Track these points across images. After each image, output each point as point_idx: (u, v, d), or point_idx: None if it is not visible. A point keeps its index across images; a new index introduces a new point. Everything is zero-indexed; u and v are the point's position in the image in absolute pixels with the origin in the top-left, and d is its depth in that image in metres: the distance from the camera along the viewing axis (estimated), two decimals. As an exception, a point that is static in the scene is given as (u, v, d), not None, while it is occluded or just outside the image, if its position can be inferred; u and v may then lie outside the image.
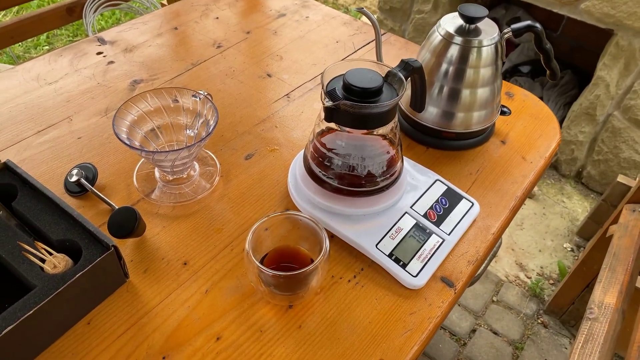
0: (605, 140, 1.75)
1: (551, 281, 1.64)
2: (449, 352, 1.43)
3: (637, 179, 1.41)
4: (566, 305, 1.48)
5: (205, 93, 0.67)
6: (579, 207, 1.85)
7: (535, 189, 1.89)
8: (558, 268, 1.66)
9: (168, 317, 0.56)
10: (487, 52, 0.71)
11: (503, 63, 0.74)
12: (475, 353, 1.44)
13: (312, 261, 0.52)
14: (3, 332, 0.46)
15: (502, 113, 0.80)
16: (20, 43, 2.52)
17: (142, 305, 0.57)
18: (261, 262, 0.57)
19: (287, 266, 0.58)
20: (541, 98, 2.05)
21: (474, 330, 1.49)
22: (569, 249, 1.73)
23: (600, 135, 1.77)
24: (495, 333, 1.49)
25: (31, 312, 0.48)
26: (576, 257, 1.70)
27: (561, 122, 1.89)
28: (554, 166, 1.97)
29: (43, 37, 2.58)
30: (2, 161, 0.62)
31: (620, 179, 1.50)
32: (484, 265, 1.00)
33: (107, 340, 0.53)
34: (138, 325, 0.55)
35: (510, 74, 2.13)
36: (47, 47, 2.57)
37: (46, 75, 0.88)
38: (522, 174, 0.75)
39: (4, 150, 0.74)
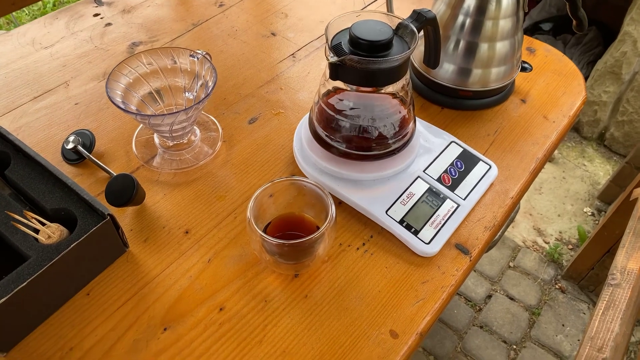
0: (631, 100, 1.67)
1: (570, 246, 1.60)
2: (464, 318, 1.42)
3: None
4: (585, 271, 1.44)
5: (204, 53, 0.63)
6: (601, 170, 1.79)
7: (555, 152, 1.83)
8: (577, 233, 1.61)
9: (169, 287, 0.54)
10: (507, 1, 0.65)
11: (525, 14, 0.68)
12: (490, 318, 1.42)
13: (318, 229, 0.49)
14: (-4, 305, 0.44)
15: (523, 69, 0.75)
16: (27, 13, 2.48)
17: (142, 275, 0.55)
18: (264, 230, 0.54)
19: (291, 234, 0.55)
20: (563, 56, 1.95)
21: (489, 296, 1.47)
22: (589, 214, 1.67)
23: (625, 94, 1.68)
24: (511, 299, 1.47)
25: (25, 283, 0.46)
26: (597, 222, 1.65)
27: (584, 81, 1.80)
28: (575, 128, 1.89)
29: (50, 4, 2.53)
30: (-6, 128, 0.59)
31: (646, 140, 1.43)
32: (501, 230, 0.96)
33: (107, 311, 0.52)
34: (139, 296, 0.53)
35: (530, 32, 2.02)
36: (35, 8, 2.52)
37: (42, 39, 0.85)
38: (543, 134, 0.70)
39: (0, 118, 0.71)
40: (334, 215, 0.49)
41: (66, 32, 0.86)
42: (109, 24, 0.88)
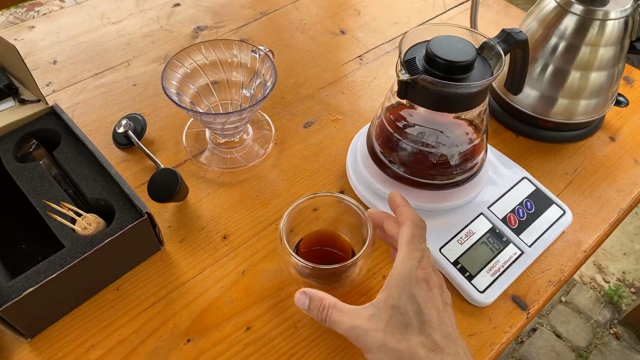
0: None
1: (633, 289, 1.47)
2: (503, 350, 1.33)
3: None
4: (647, 321, 1.32)
5: (267, 50, 0.60)
6: (681, 211, 1.62)
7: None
8: (644, 277, 1.47)
9: (199, 296, 0.51)
10: (612, 26, 0.57)
11: (631, 42, 0.60)
12: (532, 353, 1.33)
13: (353, 253, 0.45)
14: (24, 294, 0.43)
15: (617, 103, 0.66)
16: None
17: (174, 277, 0.52)
18: (298, 243, 0.50)
19: (325, 250, 0.51)
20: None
21: (534, 329, 1.38)
22: (661, 257, 1.53)
23: None
24: (558, 336, 1.37)
25: (54, 275, 0.45)
26: (668, 268, 1.50)
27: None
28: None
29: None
30: (50, 105, 0.59)
31: None
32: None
33: (134, 311, 0.50)
34: (167, 300, 0.51)
35: (621, 50, 1.85)
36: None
37: (111, 13, 0.84)
38: (631, 181, 0.62)
39: (60, 91, 0.71)
40: (372, 241, 0.45)
41: (135, 9, 0.85)
42: (177, 4, 0.87)
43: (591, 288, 1.48)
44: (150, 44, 0.78)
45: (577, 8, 0.57)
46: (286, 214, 0.46)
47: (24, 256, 0.53)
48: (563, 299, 1.45)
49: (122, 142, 0.64)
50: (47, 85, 0.72)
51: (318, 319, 0.40)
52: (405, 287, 0.37)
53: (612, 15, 0.56)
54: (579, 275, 1.49)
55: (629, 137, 0.67)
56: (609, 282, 1.48)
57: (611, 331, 1.39)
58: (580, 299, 1.45)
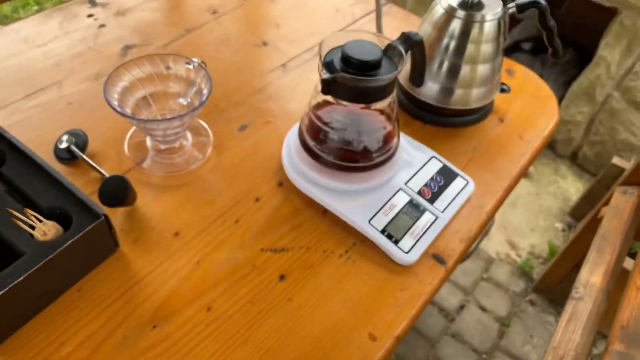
0: (603, 121, 1.75)
1: (541, 260, 1.66)
2: (437, 327, 1.46)
3: (632, 161, 1.41)
4: (554, 285, 1.50)
5: (199, 61, 0.66)
6: (573, 187, 1.86)
7: (530, 168, 1.89)
8: (548, 247, 1.67)
9: (159, 287, 0.56)
10: (489, 27, 0.69)
11: (505, 39, 0.73)
12: (463, 328, 1.46)
13: None
14: (-9, 299, 0.46)
15: (502, 91, 0.79)
16: (7, 2, 2.45)
17: (133, 274, 0.56)
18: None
19: None
20: (541, 76, 2.02)
21: (462, 307, 1.51)
22: (561, 229, 1.74)
23: (598, 116, 1.76)
24: (483, 309, 1.52)
25: (21, 278, 0.47)
26: (567, 238, 1.71)
27: (560, 101, 1.88)
28: (550, 146, 1.97)
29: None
30: (-10, 125, 0.60)
31: (615, 160, 1.50)
32: (475, 243, 1.00)
33: (98, 308, 0.53)
34: (128, 295, 0.55)
35: (511, 50, 2.09)
36: (35, 8, 2.50)
37: (35, 37, 0.86)
38: (518, 153, 0.74)
39: (-8, 114, 0.72)
40: None
41: (60, 32, 0.87)
42: (102, 26, 0.90)
43: (507, 263, 1.65)
44: (80, 64, 0.81)
45: (460, 13, 0.69)
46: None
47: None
48: (484, 275, 1.60)
49: (65, 157, 0.67)
50: (-22, 109, 0.72)
51: None
52: None
53: (488, 17, 0.68)
54: (495, 252, 1.66)
55: (514, 118, 0.80)
56: (520, 256, 1.66)
57: (527, 299, 1.56)
58: (498, 274, 1.61)
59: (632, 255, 1.12)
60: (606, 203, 1.24)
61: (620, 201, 1.16)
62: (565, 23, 2.07)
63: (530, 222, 1.75)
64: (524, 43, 2.09)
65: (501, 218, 1.75)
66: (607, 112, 1.72)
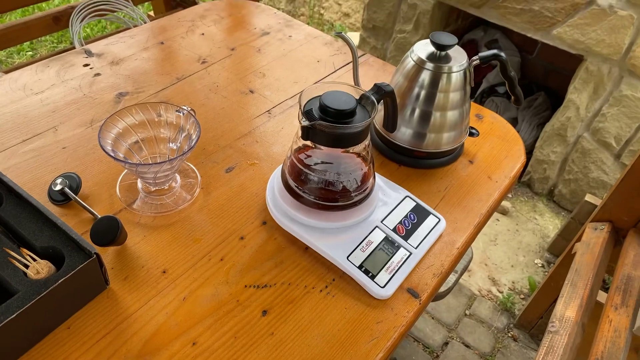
0: (576, 160, 1.83)
1: (522, 296, 1.69)
2: (422, 364, 1.47)
3: (603, 198, 1.47)
4: (535, 320, 1.53)
5: (189, 108, 0.71)
6: (550, 224, 1.92)
7: (509, 205, 1.96)
8: (528, 283, 1.71)
9: (146, 323, 0.58)
10: (456, 77, 0.76)
11: (472, 87, 0.79)
12: (447, 365, 1.47)
13: None
14: (-14, 335, 0.48)
15: (471, 134, 0.85)
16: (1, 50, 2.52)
17: (121, 311, 0.59)
18: None
19: None
20: (516, 118, 2.13)
21: (446, 343, 1.53)
22: (540, 265, 1.78)
23: (570, 155, 1.85)
24: (467, 346, 1.53)
25: (13, 316, 0.50)
26: (546, 273, 1.76)
27: (534, 141, 1.96)
28: (527, 184, 2.04)
29: (27, 42, 2.58)
30: (-11, 169, 0.64)
31: (588, 198, 1.57)
32: (455, 279, 1.04)
33: (87, 344, 0.55)
34: (117, 330, 0.57)
35: (487, 94, 2.20)
36: (30, 53, 2.57)
37: (33, 85, 0.90)
38: (487, 193, 0.79)
39: (-11, 158, 0.76)
40: None
41: (57, 80, 0.92)
42: (97, 74, 0.95)
43: (489, 299, 1.68)
44: (75, 110, 0.86)
45: (430, 65, 0.75)
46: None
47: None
48: (467, 312, 1.63)
49: (58, 198, 0.70)
50: (-24, 153, 0.76)
51: None
52: None
53: (454, 69, 0.75)
54: (477, 289, 1.69)
55: (482, 160, 0.86)
56: (502, 292, 1.70)
57: (509, 335, 1.59)
58: (481, 310, 1.64)
59: (607, 289, 1.16)
60: (579, 239, 1.29)
61: (591, 237, 1.22)
62: (537, 68, 2.20)
63: (510, 259, 1.80)
64: (499, 87, 2.20)
65: (482, 255, 1.79)
66: (579, 152, 1.81)
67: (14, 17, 2.72)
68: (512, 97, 0.80)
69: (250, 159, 0.81)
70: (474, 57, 0.76)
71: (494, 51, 0.75)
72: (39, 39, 2.61)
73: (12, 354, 0.53)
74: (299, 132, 0.62)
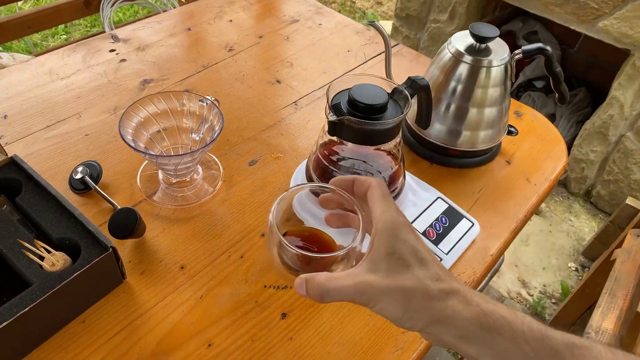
0: (617, 160, 1.73)
1: (553, 300, 1.62)
2: (445, 366, 1.43)
3: (646, 202, 1.39)
4: (567, 327, 1.47)
5: (213, 99, 0.68)
6: (586, 226, 1.84)
7: (543, 205, 1.88)
8: (561, 287, 1.64)
9: (162, 320, 0.56)
10: (496, 72, 0.70)
11: (512, 83, 0.74)
12: (471, 368, 1.43)
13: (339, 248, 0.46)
14: (-2, 328, 0.47)
15: (509, 133, 0.80)
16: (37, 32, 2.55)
17: (137, 306, 0.57)
18: (283, 235, 0.46)
19: (308, 247, 0.52)
20: (554, 114, 2.03)
21: (471, 345, 1.48)
22: (574, 269, 1.71)
23: (611, 155, 1.75)
24: (493, 349, 1.48)
25: (27, 309, 0.48)
26: (580, 277, 1.68)
27: (573, 139, 1.87)
28: (563, 184, 1.95)
29: (61, 26, 2.61)
30: (9, 155, 0.63)
31: (629, 201, 1.49)
32: (485, 279, 0.99)
33: (100, 340, 0.54)
34: (132, 327, 0.55)
35: (524, 89, 2.11)
36: (64, 37, 2.60)
37: (59, 70, 0.89)
38: (525, 196, 0.74)
39: (13, 143, 0.75)
40: (364, 230, 0.44)
41: (82, 65, 0.91)
42: (123, 60, 0.93)
43: (518, 302, 1.62)
44: (99, 97, 0.84)
45: (468, 58, 0.70)
46: (276, 203, 0.47)
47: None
48: (494, 314, 1.57)
49: (79, 187, 0.69)
50: (0, 138, 0.75)
51: (318, 298, 0.39)
52: (394, 234, 0.38)
53: (495, 63, 0.70)
54: (506, 291, 1.63)
55: (521, 160, 0.80)
56: (532, 295, 1.63)
57: (538, 340, 1.53)
58: (509, 313, 1.58)
59: (647, 301, 1.09)
60: (619, 245, 1.22)
61: (633, 244, 1.15)
62: (578, 62, 2.09)
63: (542, 261, 1.72)
64: (537, 81, 2.11)
65: (512, 256, 1.72)
66: (621, 152, 1.71)
67: (48, 0, 2.76)
68: (557, 95, 0.74)
69: (275, 152, 0.78)
70: (517, 51, 0.71)
71: (539, 45, 0.69)
72: (74, 22, 2.64)
73: (25, 347, 0.52)
74: (326, 127, 0.59)
